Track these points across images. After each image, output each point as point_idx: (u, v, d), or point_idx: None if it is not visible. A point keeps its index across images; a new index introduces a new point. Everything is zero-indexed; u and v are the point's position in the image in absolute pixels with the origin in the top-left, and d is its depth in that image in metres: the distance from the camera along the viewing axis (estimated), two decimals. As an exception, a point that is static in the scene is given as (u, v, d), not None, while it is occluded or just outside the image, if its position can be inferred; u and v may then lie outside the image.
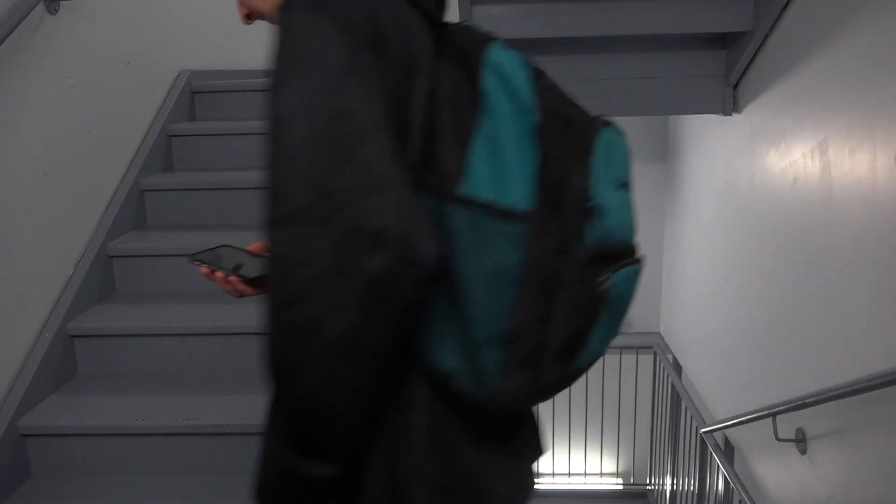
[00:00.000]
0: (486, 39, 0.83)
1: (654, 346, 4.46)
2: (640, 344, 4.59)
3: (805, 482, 2.35)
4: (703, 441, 3.35)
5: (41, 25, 2.01)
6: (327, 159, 0.66)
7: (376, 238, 0.64)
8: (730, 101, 2.99)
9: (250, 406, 1.82)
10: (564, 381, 0.79)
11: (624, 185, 0.80)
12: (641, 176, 4.41)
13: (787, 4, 2.46)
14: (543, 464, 4.98)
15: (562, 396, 4.79)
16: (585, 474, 4.99)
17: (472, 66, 0.79)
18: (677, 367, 4.16)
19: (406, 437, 0.78)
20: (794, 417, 2.38)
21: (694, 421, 3.55)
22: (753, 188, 2.85)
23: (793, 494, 2.46)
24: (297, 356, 0.67)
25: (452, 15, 2.77)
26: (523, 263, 0.73)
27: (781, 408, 2.33)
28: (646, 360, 4.63)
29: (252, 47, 2.80)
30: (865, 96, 1.97)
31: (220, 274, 0.92)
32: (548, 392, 0.78)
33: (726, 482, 2.98)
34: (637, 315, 4.66)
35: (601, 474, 5.00)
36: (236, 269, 0.90)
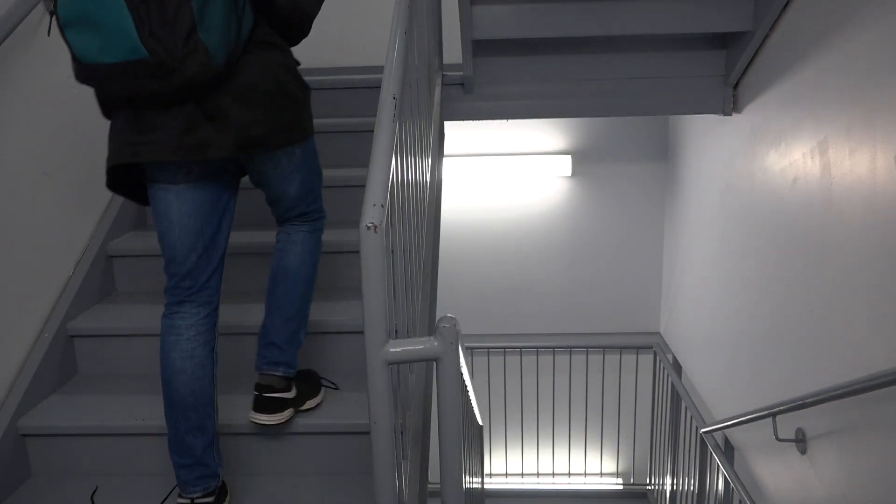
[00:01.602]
0: None
1: (654, 346, 4.46)
2: (640, 344, 4.60)
3: (805, 482, 2.35)
4: (703, 441, 3.36)
5: (41, 25, 2.01)
6: None
7: None
8: (730, 101, 2.99)
9: (249, 406, 1.82)
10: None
11: None
12: (641, 176, 4.42)
13: (787, 4, 2.46)
14: (543, 464, 4.99)
15: (562, 396, 4.80)
16: (585, 474, 4.99)
17: None
18: (677, 367, 4.16)
19: None
20: (794, 417, 2.38)
21: (694, 421, 3.55)
22: (753, 188, 2.85)
23: (793, 494, 2.46)
24: None
25: (452, 14, 2.77)
26: None
27: (781, 408, 2.33)
28: (646, 360, 4.64)
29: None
30: (865, 96, 1.97)
31: None
32: (100, 78, 1.36)
33: (726, 482, 2.98)
34: (637, 315, 4.66)
35: (601, 474, 5.00)
36: None
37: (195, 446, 1.56)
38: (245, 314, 2.04)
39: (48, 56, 2.04)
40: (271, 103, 1.48)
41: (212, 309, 1.61)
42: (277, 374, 1.69)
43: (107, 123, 2.46)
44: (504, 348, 4.73)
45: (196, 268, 1.57)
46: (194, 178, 1.51)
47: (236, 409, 1.82)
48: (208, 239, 1.56)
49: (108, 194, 2.37)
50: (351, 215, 2.47)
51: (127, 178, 1.55)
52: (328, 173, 2.18)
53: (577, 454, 4.96)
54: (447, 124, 3.04)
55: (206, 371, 1.57)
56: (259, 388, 1.70)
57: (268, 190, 1.65)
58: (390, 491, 1.16)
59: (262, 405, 1.69)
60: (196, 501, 1.57)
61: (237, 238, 2.28)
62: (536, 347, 4.70)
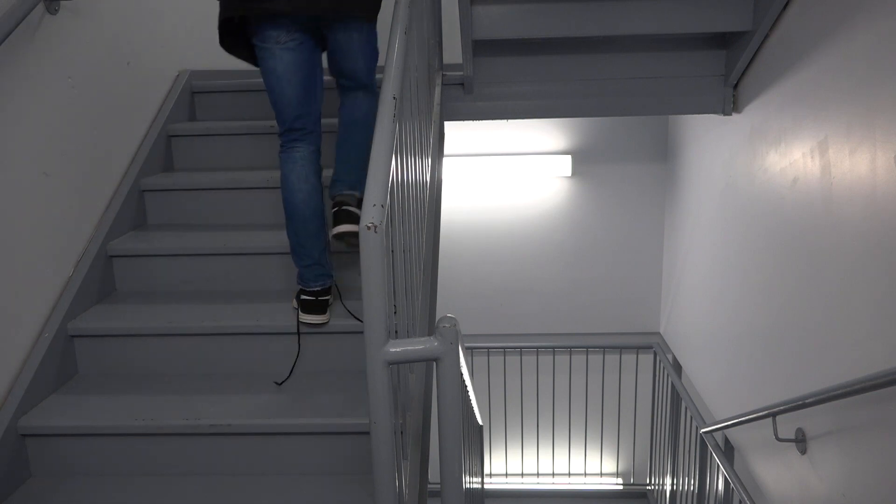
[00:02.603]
0: None
1: (654, 346, 4.47)
2: (640, 344, 4.60)
3: (805, 482, 2.35)
4: (703, 441, 3.36)
5: (41, 25, 2.01)
6: None
7: None
8: (730, 101, 2.99)
9: (250, 406, 1.82)
10: None
11: None
12: (641, 176, 4.42)
13: (787, 4, 2.46)
14: (543, 464, 4.99)
15: (562, 396, 4.80)
16: (585, 474, 5.00)
17: None
18: (677, 367, 4.17)
19: None
20: (794, 417, 2.38)
21: (694, 421, 3.55)
22: (753, 188, 2.85)
23: (793, 494, 2.46)
24: None
25: (452, 14, 2.77)
26: None
27: (781, 408, 2.33)
28: (646, 360, 4.64)
29: (252, 47, 2.78)
30: (865, 96, 1.97)
31: None
32: None
33: (726, 482, 2.98)
34: (637, 315, 4.66)
35: (601, 474, 5.00)
36: None
37: (313, 249, 1.96)
38: (251, 314, 2.04)
39: (49, 56, 2.05)
40: None
41: (317, 146, 1.99)
42: (346, 193, 2.01)
43: (104, 123, 2.46)
44: (504, 348, 4.73)
45: (303, 114, 1.93)
46: (293, 38, 1.85)
47: (236, 409, 1.82)
48: (309, 88, 1.93)
49: (109, 193, 2.37)
50: (351, 215, 2.47)
51: (241, 39, 1.93)
52: (328, 173, 2.19)
53: (577, 454, 4.96)
54: (447, 124, 3.04)
55: (317, 190, 1.96)
56: (337, 203, 2.00)
57: (341, 60, 1.96)
58: (390, 491, 1.16)
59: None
60: (319, 299, 1.96)
61: (243, 240, 2.28)
62: (536, 347, 4.71)
